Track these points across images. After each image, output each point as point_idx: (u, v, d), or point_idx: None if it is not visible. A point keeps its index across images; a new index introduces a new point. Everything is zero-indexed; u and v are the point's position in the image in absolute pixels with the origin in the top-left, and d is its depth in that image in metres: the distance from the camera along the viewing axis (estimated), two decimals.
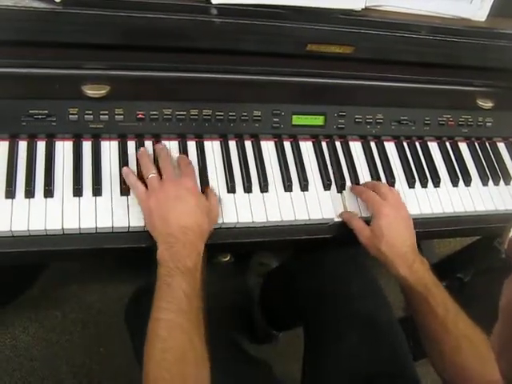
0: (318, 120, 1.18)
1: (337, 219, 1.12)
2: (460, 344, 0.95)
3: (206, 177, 1.08)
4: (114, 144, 1.07)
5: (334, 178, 1.17)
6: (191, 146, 1.11)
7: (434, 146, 1.29)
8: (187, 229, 0.93)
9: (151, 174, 1.00)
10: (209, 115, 1.10)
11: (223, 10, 0.95)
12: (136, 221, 1.00)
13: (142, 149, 1.06)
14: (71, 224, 0.97)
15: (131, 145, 1.08)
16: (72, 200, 1.00)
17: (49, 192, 0.99)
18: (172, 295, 0.87)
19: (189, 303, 0.87)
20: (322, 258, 1.35)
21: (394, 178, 1.20)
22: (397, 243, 1.04)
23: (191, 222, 0.95)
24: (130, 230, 1.00)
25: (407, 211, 1.10)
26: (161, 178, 1.00)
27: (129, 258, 1.68)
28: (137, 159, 1.06)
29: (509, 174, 1.30)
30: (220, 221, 1.04)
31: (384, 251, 1.04)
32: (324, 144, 1.20)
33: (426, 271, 1.04)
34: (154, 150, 1.07)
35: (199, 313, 0.88)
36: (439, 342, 0.99)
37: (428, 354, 1.04)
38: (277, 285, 1.64)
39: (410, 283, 1.02)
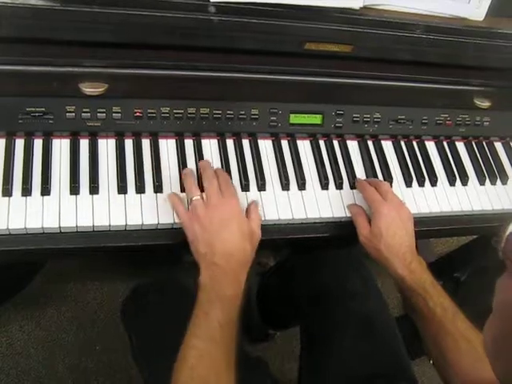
0: (316, 119, 1.18)
1: (334, 218, 1.12)
2: (459, 344, 0.96)
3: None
4: (112, 142, 1.07)
5: (331, 176, 1.16)
6: (189, 144, 1.11)
7: (431, 145, 1.29)
8: (231, 256, 0.93)
9: (196, 197, 0.98)
10: (206, 113, 1.09)
11: (221, 8, 0.94)
12: (133, 219, 1.00)
13: (187, 169, 1.05)
14: (68, 222, 0.97)
15: (128, 143, 1.08)
16: (69, 198, 0.99)
17: (46, 190, 0.99)
18: (207, 325, 0.88)
19: (222, 334, 0.88)
20: (319, 258, 1.35)
21: (391, 177, 1.20)
22: (395, 244, 1.04)
23: (235, 249, 0.94)
24: (127, 228, 1.00)
25: (408, 212, 1.09)
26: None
27: (125, 256, 1.68)
28: (136, 159, 1.05)
29: (506, 174, 1.30)
30: None
31: (382, 251, 1.04)
32: (322, 143, 1.20)
33: (424, 271, 1.04)
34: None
35: (231, 344, 0.89)
36: (438, 342, 0.99)
37: (428, 353, 1.05)
38: (274, 284, 1.64)
39: (407, 283, 1.02)
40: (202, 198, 0.98)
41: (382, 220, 1.04)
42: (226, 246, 0.93)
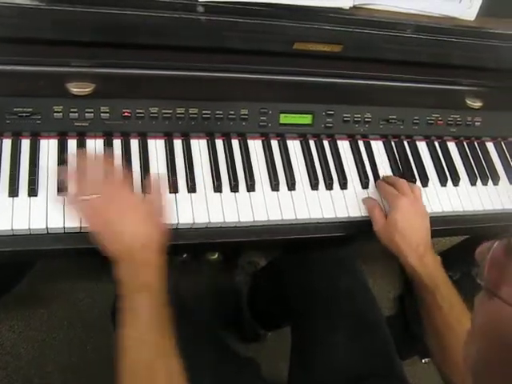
0: (306, 119, 1.17)
1: (324, 219, 1.12)
2: (461, 342, 0.96)
3: (193, 176, 1.07)
4: (100, 142, 1.06)
5: (321, 177, 1.16)
6: (177, 144, 1.10)
7: (422, 146, 1.29)
8: (141, 243, 0.90)
9: (91, 196, 0.92)
10: (195, 114, 1.09)
11: (209, 7, 0.93)
12: None
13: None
14: (56, 223, 0.96)
15: (117, 143, 1.07)
16: (57, 199, 0.98)
17: (33, 191, 0.98)
18: (137, 312, 0.86)
19: (155, 316, 0.86)
20: (310, 258, 1.35)
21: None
22: (410, 235, 1.06)
23: (143, 236, 0.91)
24: None
25: (424, 207, 1.12)
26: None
27: None
28: (124, 159, 1.05)
29: (497, 174, 1.30)
30: (206, 220, 1.04)
31: (397, 241, 1.06)
32: (312, 143, 1.19)
33: (437, 266, 1.06)
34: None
35: (167, 323, 0.87)
36: (441, 336, 1.00)
37: (428, 345, 1.06)
38: (265, 284, 1.64)
39: (418, 274, 1.04)
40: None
41: (398, 212, 1.06)
42: (132, 234, 0.90)
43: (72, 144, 1.04)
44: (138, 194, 0.99)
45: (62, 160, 1.02)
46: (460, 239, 1.96)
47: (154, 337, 0.85)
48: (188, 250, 1.51)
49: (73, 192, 0.95)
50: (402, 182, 1.13)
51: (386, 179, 1.18)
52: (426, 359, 2.01)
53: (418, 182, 1.22)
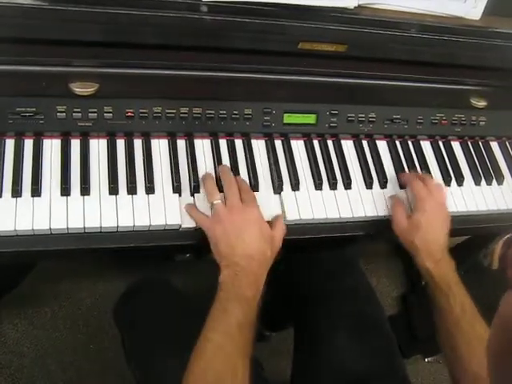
0: (310, 118, 1.17)
1: (329, 219, 1.11)
2: (472, 344, 0.97)
3: (196, 176, 1.06)
4: (103, 142, 1.06)
5: (325, 177, 1.15)
6: (181, 144, 1.10)
7: (426, 145, 1.28)
8: (251, 258, 0.95)
9: (217, 201, 1.00)
10: (199, 113, 1.08)
11: (213, 7, 0.93)
12: (124, 221, 0.99)
13: (207, 173, 1.07)
14: (59, 224, 0.96)
15: (120, 143, 1.07)
16: (60, 199, 0.98)
17: (36, 191, 0.97)
18: (226, 320, 0.90)
19: (240, 332, 0.89)
20: (313, 258, 1.35)
21: (385, 178, 1.19)
22: (430, 239, 1.07)
23: (256, 251, 0.96)
24: (119, 229, 0.99)
25: (447, 212, 1.12)
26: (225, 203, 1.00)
27: (118, 255, 1.67)
28: (128, 159, 1.05)
29: (501, 174, 1.29)
30: None
31: (416, 244, 1.06)
32: (316, 143, 1.19)
33: (451, 270, 1.06)
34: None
35: (248, 343, 0.90)
36: (452, 338, 1.01)
37: (440, 345, 1.06)
38: (269, 284, 1.64)
39: (433, 278, 1.05)
40: (223, 201, 1.00)
41: (423, 215, 1.07)
42: (246, 248, 0.96)
43: (75, 144, 1.04)
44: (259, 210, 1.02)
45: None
46: (462, 239, 1.96)
47: (231, 348, 0.88)
48: (192, 249, 1.50)
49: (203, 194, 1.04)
50: (432, 181, 1.15)
51: (416, 174, 1.19)
52: (429, 358, 2.00)
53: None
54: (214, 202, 1.00)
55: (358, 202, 1.14)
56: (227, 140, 1.13)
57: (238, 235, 0.96)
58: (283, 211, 1.08)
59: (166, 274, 1.75)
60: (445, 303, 1.03)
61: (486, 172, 1.29)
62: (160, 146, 1.09)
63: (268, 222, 1.03)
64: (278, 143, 1.16)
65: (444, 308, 1.03)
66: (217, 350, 0.87)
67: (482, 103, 1.26)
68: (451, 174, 1.25)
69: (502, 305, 0.58)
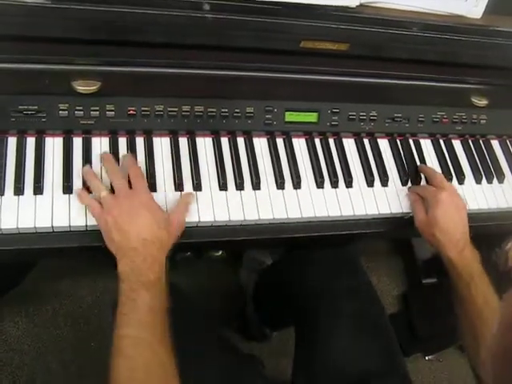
0: (312, 117, 1.17)
1: (330, 217, 1.11)
2: None
3: (198, 174, 1.07)
4: (105, 140, 1.06)
5: (327, 175, 1.16)
6: (183, 142, 1.10)
7: (427, 144, 1.29)
8: (147, 241, 0.91)
9: (103, 193, 0.96)
10: (201, 111, 1.09)
11: (216, 5, 0.93)
12: None
13: (86, 167, 1.02)
14: (61, 222, 0.96)
15: (122, 141, 1.07)
16: (62, 197, 0.98)
17: (38, 189, 0.98)
18: (135, 311, 0.87)
19: (153, 317, 0.87)
20: (314, 256, 1.35)
21: (386, 176, 1.19)
22: (450, 230, 1.08)
23: (150, 234, 0.92)
24: None
25: (462, 200, 1.14)
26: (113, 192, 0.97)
27: None
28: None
29: (502, 172, 1.30)
30: (211, 219, 1.04)
31: (437, 236, 1.08)
32: (317, 141, 1.19)
33: (475, 260, 1.07)
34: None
35: (165, 326, 0.88)
36: (473, 328, 1.02)
37: (461, 335, 1.08)
38: (270, 282, 1.64)
39: (456, 268, 1.06)
40: (111, 193, 0.97)
41: (438, 207, 1.08)
42: (141, 232, 0.91)
43: (77, 142, 1.04)
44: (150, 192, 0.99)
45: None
46: None
47: (150, 337, 0.85)
48: (192, 248, 1.50)
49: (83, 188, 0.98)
50: (440, 176, 1.16)
51: (422, 170, 1.21)
52: (429, 356, 2.01)
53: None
54: (102, 195, 0.95)
55: (359, 200, 1.14)
56: (229, 138, 1.13)
57: (129, 221, 0.92)
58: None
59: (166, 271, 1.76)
60: (467, 294, 1.04)
61: (487, 170, 1.29)
62: (162, 144, 1.09)
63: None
64: (280, 141, 1.16)
65: (466, 298, 1.04)
66: (136, 344, 0.84)
67: (483, 102, 1.26)
68: (452, 173, 1.25)
69: (505, 306, 0.58)
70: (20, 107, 0.99)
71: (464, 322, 1.06)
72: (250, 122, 1.13)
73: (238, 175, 1.09)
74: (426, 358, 2.01)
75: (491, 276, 1.02)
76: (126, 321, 0.86)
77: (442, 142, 1.30)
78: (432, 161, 1.26)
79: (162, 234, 0.94)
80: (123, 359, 0.83)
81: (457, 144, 1.31)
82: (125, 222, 0.92)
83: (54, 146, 1.03)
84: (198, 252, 1.73)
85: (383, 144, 1.24)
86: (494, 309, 1.01)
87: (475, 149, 1.32)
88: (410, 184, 1.20)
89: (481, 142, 1.34)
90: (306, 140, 1.19)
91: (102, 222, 0.94)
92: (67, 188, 0.99)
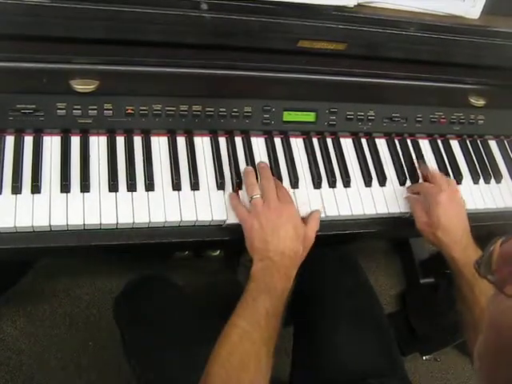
0: (309, 116, 1.17)
1: (327, 217, 1.11)
2: None
3: (196, 173, 1.07)
4: (103, 139, 1.06)
5: (324, 175, 1.16)
6: (181, 141, 1.10)
7: (425, 144, 1.29)
8: (284, 254, 0.98)
9: (256, 196, 1.02)
10: (199, 111, 1.09)
11: (214, 5, 0.93)
12: (124, 218, 0.99)
13: (248, 167, 1.09)
14: (58, 221, 0.96)
15: (120, 140, 1.07)
16: (60, 196, 0.98)
17: (36, 188, 0.98)
18: (254, 309, 0.93)
19: (267, 321, 0.91)
20: (313, 257, 1.35)
21: (384, 176, 1.19)
22: (452, 229, 1.08)
23: (288, 248, 0.99)
24: (119, 226, 0.99)
25: (460, 199, 1.14)
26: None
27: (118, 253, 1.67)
28: (128, 156, 1.05)
29: (500, 173, 1.30)
30: (209, 218, 1.04)
31: (440, 237, 1.08)
32: (315, 141, 1.19)
33: None
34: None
35: (275, 332, 0.92)
36: (477, 327, 1.00)
37: (465, 337, 1.08)
38: None
39: (458, 266, 1.06)
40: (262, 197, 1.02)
41: (439, 208, 1.08)
42: (280, 245, 0.98)
43: (75, 141, 1.04)
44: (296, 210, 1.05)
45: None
46: None
47: (257, 336, 0.90)
48: (189, 247, 1.50)
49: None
50: (439, 176, 1.16)
51: (421, 170, 1.21)
52: (427, 356, 2.01)
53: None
54: (254, 196, 1.02)
55: (357, 200, 1.14)
56: (227, 138, 1.13)
57: (273, 231, 0.98)
58: None
59: (165, 271, 1.75)
60: (470, 293, 1.03)
61: (485, 170, 1.29)
62: (160, 144, 1.09)
63: (302, 218, 1.05)
64: (278, 141, 1.17)
65: (469, 298, 1.04)
66: (243, 335, 0.89)
67: (480, 102, 1.26)
68: (450, 173, 1.25)
69: (491, 308, 0.58)
70: (18, 106, 0.99)
71: (466, 321, 1.05)
72: (247, 121, 1.13)
73: (235, 175, 1.09)
74: (424, 357, 2.01)
75: None
76: (242, 313, 0.92)
77: (439, 141, 1.30)
78: (430, 161, 1.26)
79: (299, 249, 1.01)
80: (226, 342, 0.89)
81: (454, 144, 1.31)
82: (268, 233, 0.98)
83: (51, 144, 1.03)
84: (196, 251, 1.73)
85: (381, 144, 1.25)
86: None
87: (473, 149, 1.32)
88: (408, 184, 1.20)
89: (478, 142, 1.34)
90: (304, 140, 1.19)
91: (247, 224, 1.01)
92: (65, 187, 0.99)
